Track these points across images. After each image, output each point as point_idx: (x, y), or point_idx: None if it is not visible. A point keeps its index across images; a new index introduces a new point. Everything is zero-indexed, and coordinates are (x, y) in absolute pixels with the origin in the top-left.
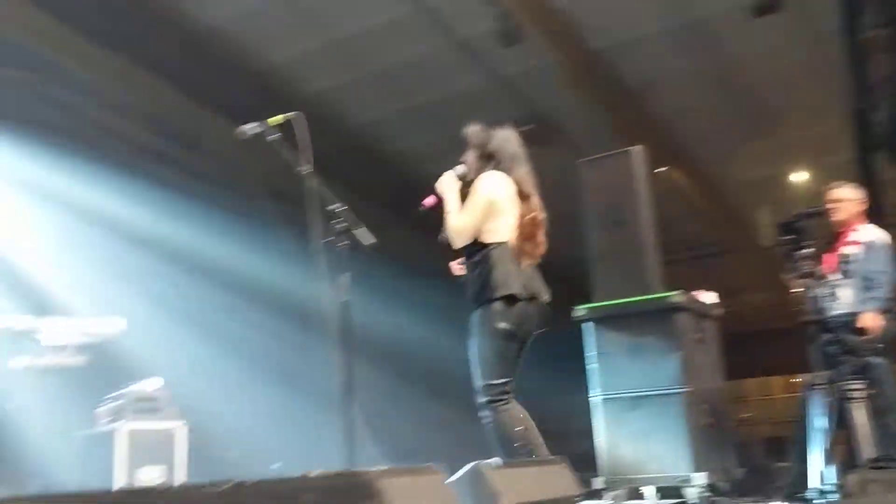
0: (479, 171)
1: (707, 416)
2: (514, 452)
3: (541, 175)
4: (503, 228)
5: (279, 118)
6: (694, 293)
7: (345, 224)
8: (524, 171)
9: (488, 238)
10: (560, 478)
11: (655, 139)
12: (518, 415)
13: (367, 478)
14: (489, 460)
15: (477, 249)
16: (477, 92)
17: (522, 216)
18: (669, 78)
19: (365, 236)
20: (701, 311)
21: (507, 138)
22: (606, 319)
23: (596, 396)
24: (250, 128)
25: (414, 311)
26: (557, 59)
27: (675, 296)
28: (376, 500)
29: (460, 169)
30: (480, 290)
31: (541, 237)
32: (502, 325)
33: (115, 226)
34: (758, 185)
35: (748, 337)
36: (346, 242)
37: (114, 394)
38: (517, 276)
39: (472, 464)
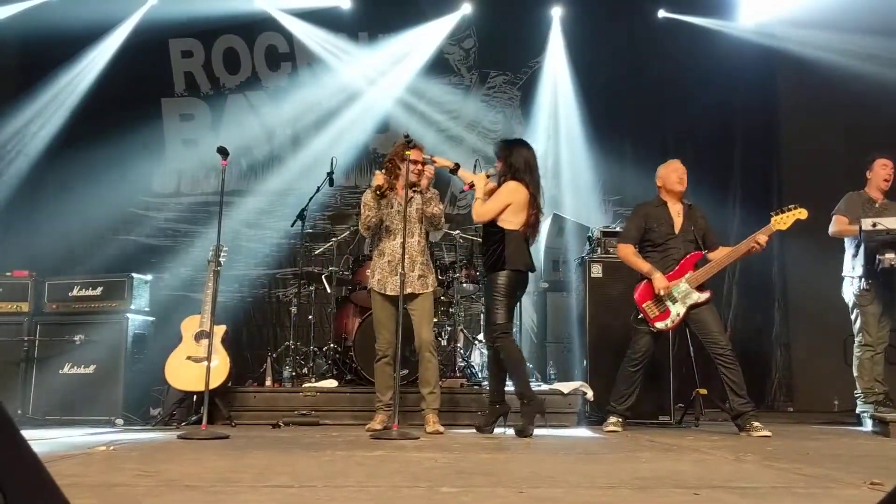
0: (503, 176)
1: None
2: (521, 371)
3: None
4: (516, 220)
5: None
6: None
7: None
8: (534, 177)
9: (505, 225)
10: None
11: None
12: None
13: None
14: None
15: (496, 231)
16: None
17: (529, 213)
18: None
19: None
20: None
21: (522, 153)
22: None
23: None
24: None
25: None
26: None
27: None
28: None
29: (492, 171)
30: (496, 261)
31: (538, 229)
32: (505, 287)
33: None
34: None
35: None
36: None
37: None
38: (523, 255)
39: None
